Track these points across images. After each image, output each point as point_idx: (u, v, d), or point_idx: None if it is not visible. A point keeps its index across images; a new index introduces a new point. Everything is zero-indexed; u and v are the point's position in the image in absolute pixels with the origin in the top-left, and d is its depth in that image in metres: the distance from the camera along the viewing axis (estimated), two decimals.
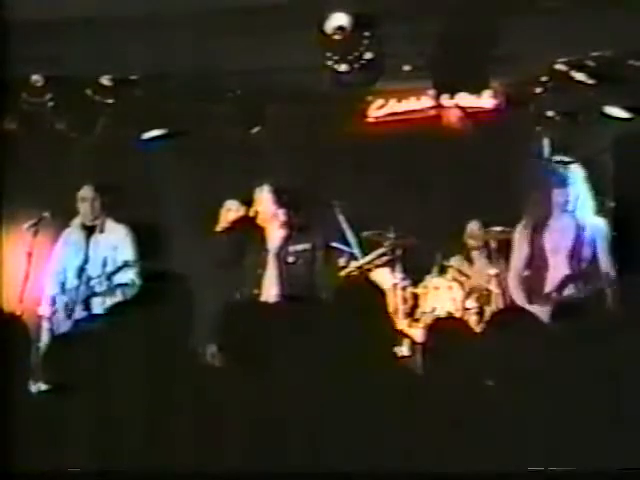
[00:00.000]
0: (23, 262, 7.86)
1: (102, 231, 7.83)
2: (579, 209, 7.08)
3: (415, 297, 8.41)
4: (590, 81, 7.78)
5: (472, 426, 3.73)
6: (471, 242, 8.52)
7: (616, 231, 7.87)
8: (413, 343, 7.79)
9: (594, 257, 7.00)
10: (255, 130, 8.73)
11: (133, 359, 3.92)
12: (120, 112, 8.65)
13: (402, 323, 8.17)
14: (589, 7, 6.99)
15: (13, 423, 3.77)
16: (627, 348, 3.82)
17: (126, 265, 7.51)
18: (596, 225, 7.09)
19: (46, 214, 7.96)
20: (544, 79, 8.05)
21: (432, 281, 8.42)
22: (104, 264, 7.66)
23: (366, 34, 7.31)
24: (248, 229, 7.35)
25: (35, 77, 8.22)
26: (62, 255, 7.94)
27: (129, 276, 7.49)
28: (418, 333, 7.85)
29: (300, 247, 7.22)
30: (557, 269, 6.97)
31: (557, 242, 7.01)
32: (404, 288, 8.33)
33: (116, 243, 7.76)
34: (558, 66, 7.84)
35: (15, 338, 4.07)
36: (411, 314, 8.32)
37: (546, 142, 8.40)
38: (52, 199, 8.36)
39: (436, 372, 4.16)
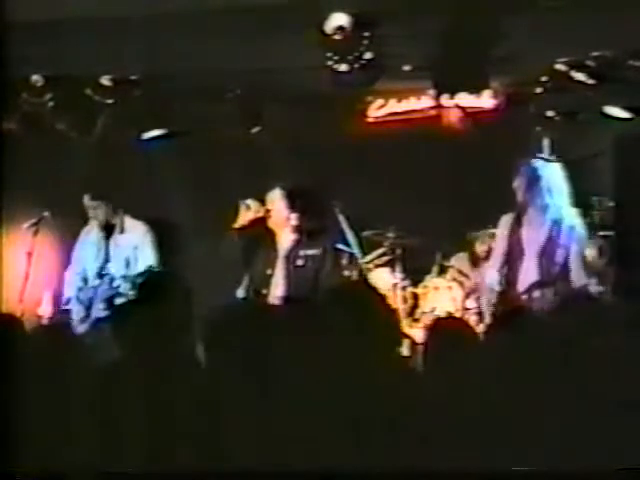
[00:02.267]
0: (23, 262, 7.87)
1: (122, 231, 7.83)
2: (557, 210, 6.85)
3: (415, 297, 8.41)
4: (590, 81, 7.78)
5: (472, 426, 3.73)
6: (480, 248, 8.52)
7: (615, 231, 7.89)
8: (413, 343, 7.81)
9: (566, 260, 6.84)
10: (255, 130, 8.73)
11: (133, 359, 3.92)
12: (120, 112, 8.65)
13: (402, 323, 8.19)
14: (589, 7, 6.97)
15: (13, 423, 3.77)
16: (629, 348, 3.82)
17: (150, 269, 7.53)
18: (573, 228, 6.84)
19: (46, 214, 7.98)
20: (544, 79, 8.06)
21: (432, 281, 8.43)
22: (127, 264, 7.66)
23: (366, 34, 7.30)
24: (260, 230, 7.35)
25: (35, 77, 8.23)
26: (81, 255, 7.91)
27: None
28: (418, 333, 7.87)
29: (311, 252, 7.22)
30: (528, 268, 6.88)
31: (530, 240, 6.90)
32: (404, 288, 8.35)
33: (136, 242, 7.77)
34: (558, 66, 7.84)
35: (15, 338, 4.07)
36: (411, 314, 8.33)
37: (546, 142, 8.41)
38: (52, 199, 8.37)
39: (437, 372, 4.17)
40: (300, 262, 7.20)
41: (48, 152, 8.83)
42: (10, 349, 3.96)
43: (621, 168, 8.05)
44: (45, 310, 8.44)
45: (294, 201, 7.30)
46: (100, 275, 7.68)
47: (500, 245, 6.99)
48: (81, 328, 7.43)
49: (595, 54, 7.63)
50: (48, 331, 6.03)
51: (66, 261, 8.99)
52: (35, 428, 3.79)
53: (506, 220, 6.99)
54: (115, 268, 7.66)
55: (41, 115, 8.50)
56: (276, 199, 7.33)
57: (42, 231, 8.01)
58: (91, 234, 7.92)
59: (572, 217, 6.86)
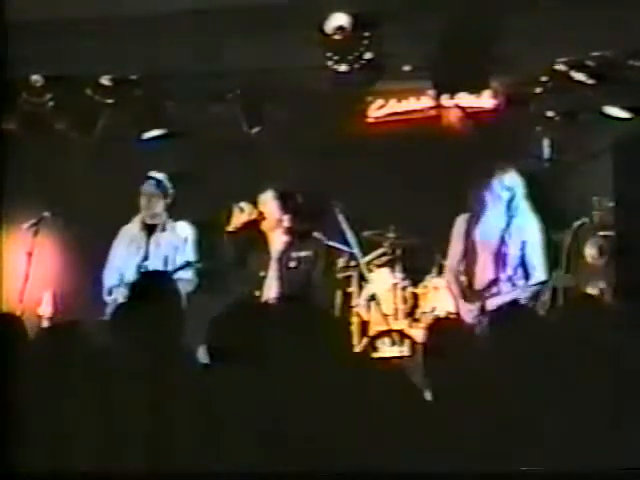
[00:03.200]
0: (23, 262, 7.86)
1: (164, 230, 7.80)
2: (512, 211, 7.08)
3: (415, 297, 8.41)
4: (590, 81, 7.77)
5: (471, 425, 3.72)
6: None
7: (615, 231, 7.89)
8: (413, 343, 7.82)
9: (522, 259, 7.00)
10: (255, 130, 8.72)
11: (132, 359, 3.92)
12: (120, 112, 8.65)
13: (402, 323, 8.19)
14: (589, 7, 6.98)
15: (13, 423, 3.76)
16: (630, 348, 3.82)
17: (188, 264, 7.52)
18: (528, 228, 7.07)
19: (46, 214, 7.97)
20: (544, 79, 8.04)
21: (432, 281, 8.42)
22: (165, 263, 7.63)
23: (366, 34, 7.31)
24: (253, 232, 7.40)
25: (35, 77, 8.22)
26: (120, 251, 7.86)
27: (189, 274, 7.49)
28: (418, 333, 7.87)
29: (303, 253, 7.27)
30: (485, 268, 7.01)
31: (486, 240, 7.04)
32: (404, 288, 8.34)
33: (177, 244, 7.73)
34: (558, 66, 7.83)
35: (15, 338, 4.06)
36: (411, 314, 8.33)
37: (546, 142, 8.40)
38: (52, 199, 8.36)
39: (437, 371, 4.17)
40: (293, 264, 7.25)
41: (48, 152, 8.82)
42: (10, 349, 3.96)
43: (621, 168, 8.05)
44: (45, 310, 8.43)
45: (286, 202, 7.35)
46: (139, 273, 7.62)
47: (456, 245, 7.13)
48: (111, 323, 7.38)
49: (595, 54, 7.62)
50: (48, 331, 6.05)
51: (66, 261, 9.01)
52: (35, 428, 3.79)
53: (461, 220, 7.19)
54: (153, 266, 7.62)
55: (41, 115, 8.50)
56: (268, 201, 7.38)
57: (42, 231, 8.00)
58: (131, 231, 7.87)
59: (527, 216, 7.06)
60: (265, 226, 7.42)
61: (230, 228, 7.38)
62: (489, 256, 6.98)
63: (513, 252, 6.98)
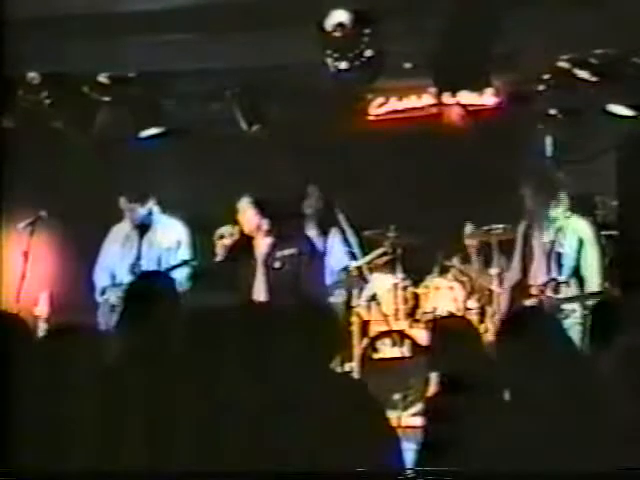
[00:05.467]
0: (20, 262, 7.81)
1: (156, 229, 7.73)
2: (565, 212, 7.06)
3: (416, 297, 8.38)
4: (593, 79, 7.76)
5: (472, 425, 3.69)
6: (469, 243, 8.49)
7: (618, 229, 7.88)
8: (414, 343, 7.80)
9: (577, 259, 7.02)
10: (254, 128, 8.70)
11: (130, 359, 3.89)
12: (117, 110, 8.62)
13: (403, 323, 8.17)
14: (592, 4, 6.95)
15: (13, 423, 3.74)
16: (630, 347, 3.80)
17: (185, 263, 7.50)
18: (581, 228, 7.06)
19: (43, 213, 7.91)
20: (546, 77, 8.04)
21: (433, 281, 8.40)
22: (158, 262, 7.58)
23: (366, 31, 7.27)
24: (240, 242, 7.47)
25: (31, 75, 8.18)
26: (111, 250, 7.79)
27: (184, 274, 7.47)
28: (419, 333, 7.84)
29: (286, 252, 7.33)
30: (539, 269, 7.02)
31: (542, 242, 7.07)
32: (405, 288, 8.31)
33: (169, 243, 7.67)
34: (561, 64, 7.82)
35: (14, 338, 4.04)
36: (412, 314, 8.30)
37: (548, 140, 8.39)
38: (49, 198, 8.32)
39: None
40: (277, 265, 7.32)
41: (45, 150, 8.78)
42: (9, 349, 3.93)
43: (624, 166, 8.03)
44: (42, 310, 8.39)
45: (262, 208, 7.42)
46: (133, 272, 7.56)
47: (518, 250, 7.19)
48: (104, 324, 7.32)
49: (598, 52, 7.59)
50: (46, 331, 6.03)
51: (63, 261, 8.98)
52: (35, 428, 3.76)
53: (521, 226, 7.21)
54: (146, 267, 7.56)
55: (38, 113, 8.46)
56: (245, 208, 7.47)
57: (38, 231, 7.94)
58: (123, 232, 7.79)
59: (576, 221, 7.04)
60: (248, 231, 7.51)
61: (219, 258, 7.43)
62: (544, 257, 7.03)
63: (567, 252, 7.02)
